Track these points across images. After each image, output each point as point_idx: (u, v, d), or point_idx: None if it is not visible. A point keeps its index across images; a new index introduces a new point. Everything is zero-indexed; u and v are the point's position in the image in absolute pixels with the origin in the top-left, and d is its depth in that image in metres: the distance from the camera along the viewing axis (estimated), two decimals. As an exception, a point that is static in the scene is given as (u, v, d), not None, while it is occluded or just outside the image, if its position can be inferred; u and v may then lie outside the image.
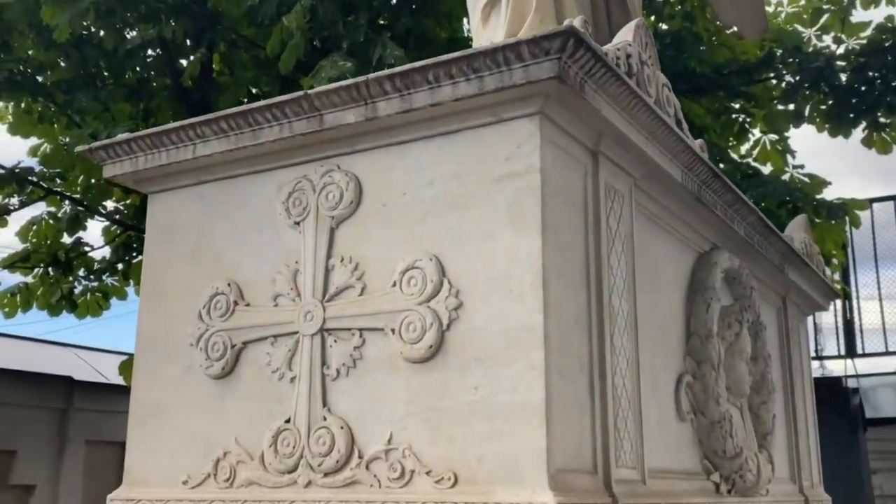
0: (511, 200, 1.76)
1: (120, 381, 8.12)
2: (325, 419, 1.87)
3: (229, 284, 2.06)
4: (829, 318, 11.23)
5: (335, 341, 1.90)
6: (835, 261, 7.10)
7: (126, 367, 6.59)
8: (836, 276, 8.00)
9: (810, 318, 4.01)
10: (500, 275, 1.75)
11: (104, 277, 7.63)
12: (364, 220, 1.94)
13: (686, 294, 2.47)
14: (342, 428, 1.84)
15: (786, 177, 6.86)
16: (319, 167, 2.00)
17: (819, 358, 10.47)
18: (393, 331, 1.83)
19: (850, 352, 12.01)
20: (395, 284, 1.85)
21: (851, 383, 10.45)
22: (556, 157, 1.81)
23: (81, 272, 7.50)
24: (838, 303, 11.77)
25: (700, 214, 2.47)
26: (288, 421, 1.91)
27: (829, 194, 6.76)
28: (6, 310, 7.42)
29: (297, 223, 2.01)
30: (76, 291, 7.55)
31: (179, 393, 2.07)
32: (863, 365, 11.72)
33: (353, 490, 1.80)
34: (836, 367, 11.12)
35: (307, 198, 2.00)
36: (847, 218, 6.80)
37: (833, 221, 6.69)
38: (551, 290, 1.73)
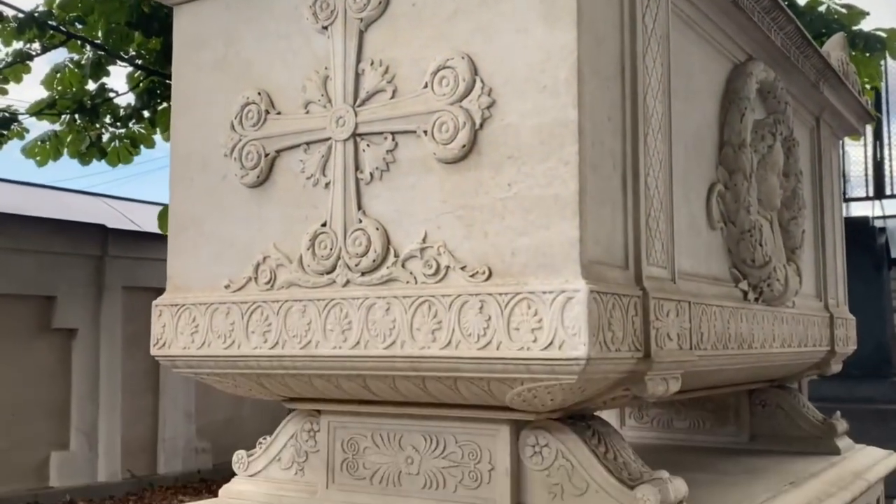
0: (544, -7, 1.72)
1: (153, 229, 8.28)
2: (360, 221, 1.90)
3: (259, 94, 2.05)
4: (857, 169, 11.13)
5: (368, 145, 1.91)
6: (867, 98, 6.95)
7: (164, 216, 6.68)
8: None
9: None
10: (534, 70, 1.73)
11: (131, 125, 7.65)
12: (393, 22, 1.91)
13: (720, 104, 2.44)
14: (377, 229, 1.87)
15: (822, 8, 6.64)
16: (346, -31, 1.95)
17: (846, 200, 10.44)
18: (425, 132, 1.83)
19: (879, 193, 11.93)
20: (426, 86, 1.84)
21: (878, 224, 10.45)
22: (591, -51, 1.75)
23: (108, 119, 7.51)
24: (868, 146, 11.62)
25: (737, 21, 2.41)
26: (324, 225, 1.95)
27: (866, 25, 6.55)
28: (38, 158, 7.50)
29: (325, 28, 1.98)
30: (104, 139, 7.59)
31: (216, 202, 2.11)
32: (890, 207, 11.67)
33: (390, 287, 1.84)
34: (862, 211, 11.10)
35: (334, 1, 1.96)
36: (885, 52, 6.60)
37: (869, 54, 6.50)
38: (586, 85, 1.71)
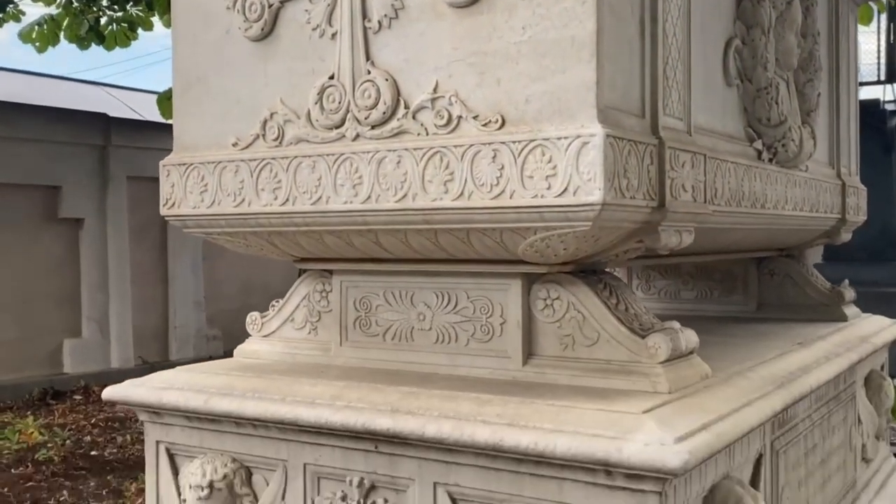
0: None
1: (156, 118, 8.19)
2: (369, 73, 1.85)
3: (262, -57, 1.98)
4: (868, 58, 10.90)
5: (375, -7, 1.84)
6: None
7: (163, 101, 6.59)
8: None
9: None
10: None
11: (128, 7, 7.47)
12: None
13: (738, -44, 2.35)
14: (387, 80, 1.83)
15: None
16: None
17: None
18: (435, -24, 1.76)
19: (891, 77, 11.74)
20: (435, -73, 1.77)
21: (889, 108, 10.31)
22: None
23: (105, 2, 7.33)
24: (882, 32, 11.37)
25: None
26: (332, 77, 1.90)
27: None
28: (37, 44, 7.35)
29: None
30: (102, 22, 7.42)
31: (220, 58, 2.06)
32: (902, 91, 11.46)
33: (401, 139, 1.81)
34: (873, 94, 10.94)
35: None
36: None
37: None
38: (602, -79, 1.64)
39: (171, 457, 2.14)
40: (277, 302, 2.34)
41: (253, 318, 2.36)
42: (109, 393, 2.14)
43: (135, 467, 6.20)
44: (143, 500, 5.60)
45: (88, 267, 9.13)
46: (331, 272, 2.19)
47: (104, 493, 5.68)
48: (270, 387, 1.98)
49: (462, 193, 1.73)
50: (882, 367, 3.42)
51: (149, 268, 9.75)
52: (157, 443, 2.15)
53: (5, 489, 5.72)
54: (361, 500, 1.86)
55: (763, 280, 3.33)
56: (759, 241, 2.75)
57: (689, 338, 1.89)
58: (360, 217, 1.86)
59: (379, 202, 1.82)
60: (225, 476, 1.99)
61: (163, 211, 2.13)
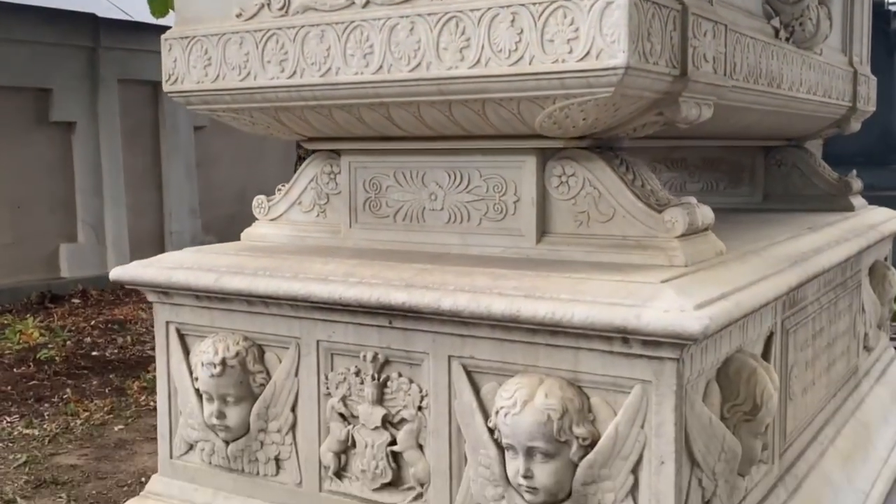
0: None
1: (146, 18, 7.98)
2: (380, -63, 1.77)
3: None
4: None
5: None
6: None
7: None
8: None
9: None
10: None
11: None
12: None
13: None
14: (399, -55, 1.75)
15: None
16: None
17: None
18: None
19: (897, -23, 11.50)
20: None
21: (892, 9, 10.12)
22: None
23: None
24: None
25: None
26: (341, -54, 1.82)
27: None
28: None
29: None
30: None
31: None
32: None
33: (413, 5, 1.74)
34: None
35: None
36: None
37: None
38: None
39: (182, 337, 2.13)
40: (283, 186, 2.31)
41: (259, 201, 2.32)
42: (118, 273, 2.12)
43: (136, 367, 6.26)
44: (146, 397, 5.66)
45: (82, 171, 9.05)
46: (339, 153, 2.15)
47: (107, 391, 5.74)
48: (282, 265, 1.96)
49: (479, 61, 1.67)
50: (886, 259, 3.43)
51: (142, 173, 9.67)
52: (167, 323, 2.14)
53: (8, 387, 5.77)
54: (375, 375, 1.86)
55: (770, 171, 3.30)
56: (770, 127, 2.70)
57: (705, 213, 1.87)
58: (372, 89, 1.81)
59: (391, 72, 1.77)
60: (237, 353, 1.99)
61: (166, 87, 2.07)
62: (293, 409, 1.98)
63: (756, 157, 3.31)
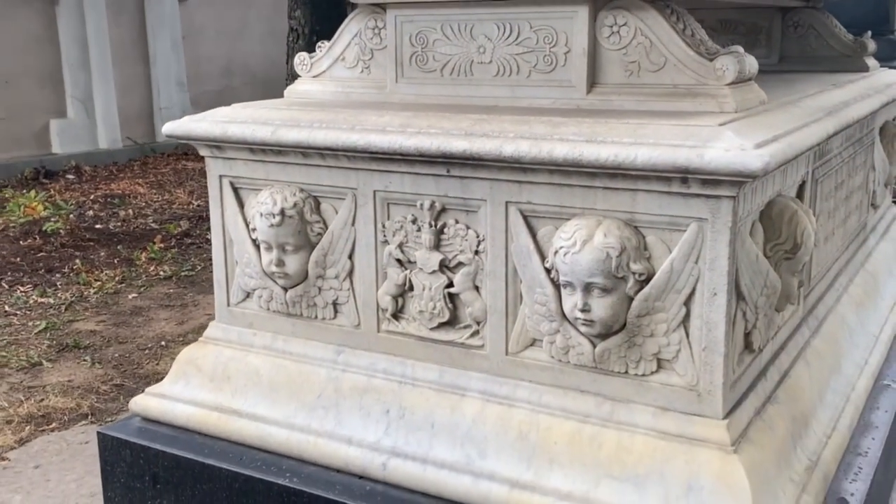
0: None
1: None
2: None
3: None
4: None
5: None
6: None
7: None
8: None
9: None
10: None
11: None
12: None
13: None
14: None
15: None
16: None
17: None
18: None
19: None
20: None
21: None
22: None
23: None
24: None
25: None
26: None
27: None
28: None
29: None
30: None
31: None
32: None
33: None
34: None
35: None
36: None
37: None
38: None
39: (236, 190, 2.20)
40: (324, 43, 2.33)
41: (301, 58, 2.35)
42: (171, 128, 2.17)
43: (141, 238, 6.35)
44: (155, 267, 5.75)
45: (68, 46, 8.89)
46: (384, 7, 2.17)
47: (115, 261, 5.83)
48: (337, 118, 2.01)
49: None
50: (895, 119, 3.51)
51: (129, 46, 9.50)
52: (221, 177, 2.20)
53: (17, 259, 5.85)
54: (432, 222, 1.94)
55: (787, 33, 3.34)
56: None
57: (752, 63, 1.94)
58: (430, -62, 1.83)
59: (451, -79, 1.79)
60: (295, 204, 2.06)
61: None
62: (350, 257, 2.07)
63: (773, 18, 3.34)
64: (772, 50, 3.36)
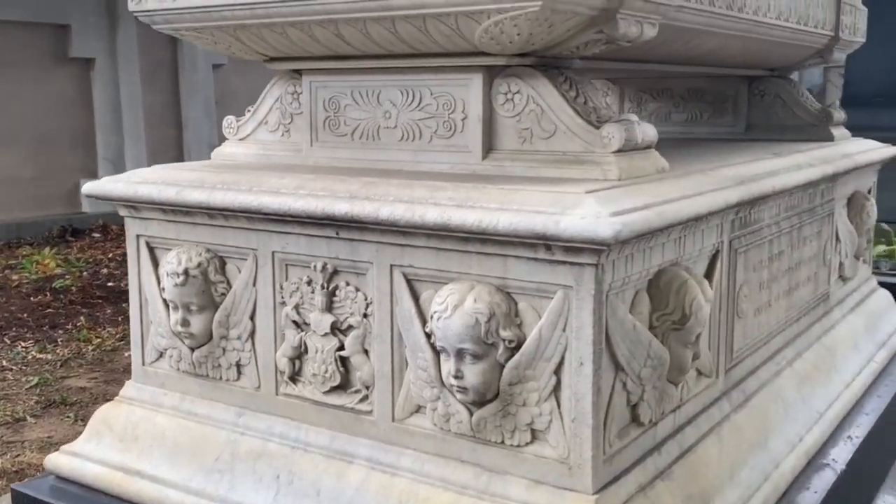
0: None
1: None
2: None
3: None
4: None
5: None
6: None
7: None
8: None
9: None
10: None
11: None
12: None
13: None
14: None
15: None
16: None
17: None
18: None
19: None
20: None
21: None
22: None
23: None
24: None
25: None
26: None
27: None
28: None
29: None
30: None
31: None
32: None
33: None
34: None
35: None
36: None
37: None
38: None
39: (151, 250, 2.23)
40: (251, 107, 2.38)
41: (229, 121, 2.40)
42: (89, 188, 2.22)
43: (149, 297, 6.41)
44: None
45: (101, 108, 9.18)
46: (301, 73, 2.21)
47: (119, 319, 5.92)
48: (240, 180, 2.04)
49: (416, -24, 1.72)
50: (869, 191, 3.44)
51: (161, 109, 9.78)
52: (138, 237, 2.24)
53: (24, 315, 5.97)
54: (325, 284, 1.94)
55: (753, 101, 3.32)
56: (740, 53, 2.71)
57: (647, 131, 1.92)
58: (320, 6, 1.86)
59: (337, -11, 1.82)
60: (199, 264, 2.08)
61: (131, 6, 2.14)
62: (252, 318, 2.07)
63: (739, 87, 3.32)
64: (738, 118, 3.34)
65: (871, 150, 3.21)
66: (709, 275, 2.06)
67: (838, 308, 3.09)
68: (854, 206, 3.20)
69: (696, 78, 3.33)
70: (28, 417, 4.30)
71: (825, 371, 2.72)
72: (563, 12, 1.71)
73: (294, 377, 2.03)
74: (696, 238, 1.96)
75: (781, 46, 2.82)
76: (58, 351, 5.28)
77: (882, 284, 3.70)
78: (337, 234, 1.89)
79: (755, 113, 3.31)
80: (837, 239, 3.06)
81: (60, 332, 5.63)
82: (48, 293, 6.36)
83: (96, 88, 9.09)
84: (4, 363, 5.07)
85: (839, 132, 3.23)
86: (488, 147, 1.97)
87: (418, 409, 1.86)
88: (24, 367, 5.01)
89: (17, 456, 3.87)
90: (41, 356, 5.19)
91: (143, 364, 2.29)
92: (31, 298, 6.28)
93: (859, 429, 2.63)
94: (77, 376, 4.91)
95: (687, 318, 1.82)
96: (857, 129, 7.41)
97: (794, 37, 2.81)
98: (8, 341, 5.46)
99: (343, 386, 1.97)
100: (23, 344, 5.40)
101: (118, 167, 9.30)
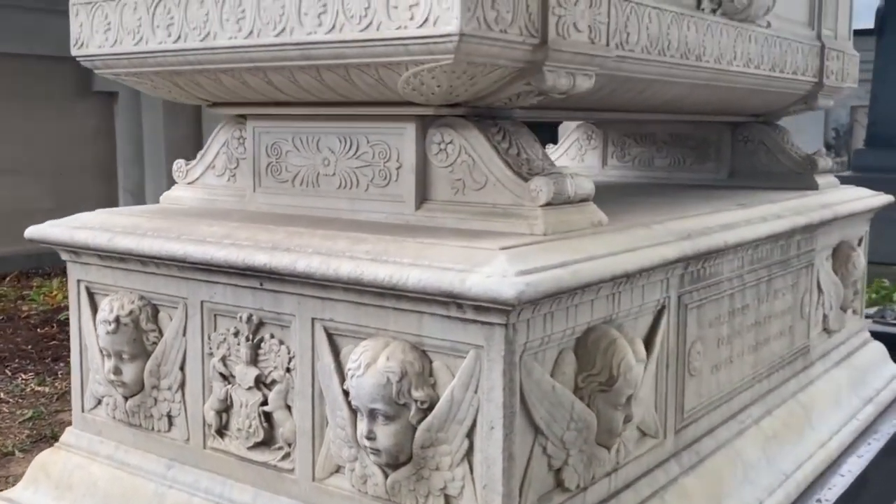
0: None
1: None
2: None
3: None
4: None
5: None
6: None
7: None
8: None
9: None
10: None
11: None
12: None
13: None
14: None
15: None
16: None
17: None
18: None
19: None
20: None
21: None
22: None
23: None
24: None
25: None
26: None
27: None
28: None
29: None
30: None
31: None
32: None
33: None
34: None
35: None
36: None
37: None
38: None
39: (91, 295, 2.20)
40: (202, 151, 2.36)
41: (178, 165, 2.38)
42: (31, 232, 2.20)
43: (153, 331, 6.41)
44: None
45: (123, 140, 9.28)
46: (245, 119, 2.18)
47: (121, 353, 5.91)
48: (172, 227, 2.01)
49: (334, 26, 1.69)
50: (860, 241, 3.33)
51: (182, 143, 9.86)
52: (78, 282, 2.21)
53: (28, 346, 6.00)
54: (251, 336, 1.90)
55: (737, 148, 3.24)
56: (713, 101, 2.65)
57: (581, 184, 1.86)
58: (246, 53, 1.84)
59: (260, 37, 1.80)
60: (131, 312, 2.05)
61: (73, 51, 2.13)
62: (182, 368, 2.03)
63: (723, 133, 3.24)
64: (721, 164, 3.26)
65: (857, 200, 3.10)
66: (653, 332, 1.99)
67: (821, 362, 2.98)
68: (839, 257, 3.09)
69: (678, 123, 3.26)
70: (16, 451, 4.28)
71: (796, 429, 2.61)
72: (482, 65, 1.66)
73: (221, 431, 1.98)
74: (633, 294, 1.89)
75: (757, 94, 2.75)
76: (56, 384, 5.28)
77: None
78: (261, 284, 1.85)
79: (739, 159, 3.23)
80: (820, 291, 2.95)
81: (62, 364, 5.64)
82: (54, 325, 6.38)
83: (119, 121, 9.20)
84: (2, 395, 5.08)
85: (825, 180, 3.14)
86: (422, 197, 1.92)
87: (338, 468, 1.80)
88: (20, 400, 5.02)
89: (1, 491, 3.85)
90: (39, 389, 5.19)
91: (83, 411, 2.26)
92: (38, 330, 6.31)
93: (831, 491, 2.51)
94: (70, 411, 4.90)
95: (615, 379, 1.74)
96: (879, 171, 7.27)
97: (770, 84, 2.73)
98: (9, 373, 5.48)
99: (267, 442, 1.91)
100: (23, 376, 5.41)
101: (138, 198, 9.39)
